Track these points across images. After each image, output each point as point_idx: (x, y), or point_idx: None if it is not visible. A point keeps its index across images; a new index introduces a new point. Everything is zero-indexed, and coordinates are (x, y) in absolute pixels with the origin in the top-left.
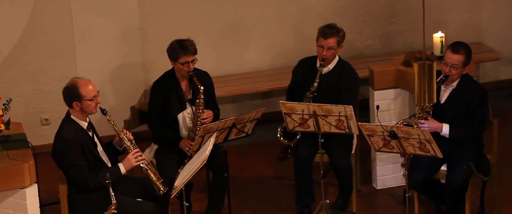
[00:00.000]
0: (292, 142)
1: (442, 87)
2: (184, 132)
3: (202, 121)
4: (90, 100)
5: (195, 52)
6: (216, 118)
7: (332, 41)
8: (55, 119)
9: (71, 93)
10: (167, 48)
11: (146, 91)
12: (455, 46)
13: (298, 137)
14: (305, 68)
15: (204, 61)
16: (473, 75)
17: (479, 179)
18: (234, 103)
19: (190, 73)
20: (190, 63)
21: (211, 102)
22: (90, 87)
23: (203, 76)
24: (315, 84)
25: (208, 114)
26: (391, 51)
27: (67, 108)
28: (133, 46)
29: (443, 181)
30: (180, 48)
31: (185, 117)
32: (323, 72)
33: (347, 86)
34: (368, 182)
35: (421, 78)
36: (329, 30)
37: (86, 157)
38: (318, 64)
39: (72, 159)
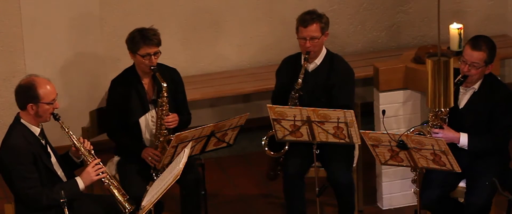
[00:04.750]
0: (279, 154)
1: (461, 90)
2: (148, 138)
3: (167, 124)
4: (48, 104)
5: (158, 43)
6: (186, 123)
7: (314, 29)
8: (0, 125)
9: (27, 94)
10: (126, 38)
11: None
12: (476, 41)
13: (286, 147)
14: (290, 68)
15: (175, 57)
16: (497, 74)
17: (505, 198)
18: (213, 108)
19: (152, 68)
20: (152, 56)
21: (181, 105)
22: (50, 88)
23: (170, 73)
24: (299, 80)
25: (173, 116)
26: (400, 45)
27: (15, 112)
28: (92, 39)
29: (461, 199)
30: (140, 38)
31: (148, 120)
32: (309, 69)
33: (340, 83)
34: (372, 201)
35: (435, 78)
36: (309, 16)
37: (38, 169)
38: (302, 60)
39: (21, 170)
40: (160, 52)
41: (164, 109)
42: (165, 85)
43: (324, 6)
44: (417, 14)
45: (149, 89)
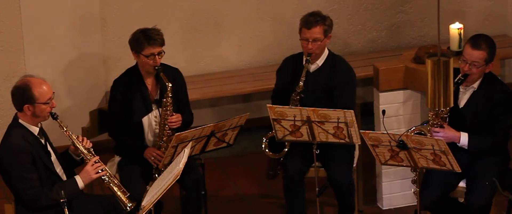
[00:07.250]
0: (279, 155)
1: (461, 89)
2: (150, 139)
3: (170, 124)
4: (44, 103)
5: (162, 43)
6: (188, 123)
7: (317, 31)
8: (0, 125)
9: (23, 95)
10: (129, 38)
11: (108, 93)
12: (476, 40)
13: (285, 150)
14: (291, 68)
15: (175, 57)
16: (497, 74)
17: (505, 198)
18: (213, 108)
19: (157, 68)
20: (156, 56)
21: (183, 105)
22: (45, 88)
23: (173, 73)
24: (301, 83)
25: (176, 117)
26: (400, 45)
27: (13, 112)
28: (92, 39)
29: (461, 200)
30: (144, 38)
31: (151, 120)
32: (311, 70)
33: (341, 85)
34: (372, 201)
35: (435, 78)
36: (312, 18)
37: (37, 169)
38: (304, 61)
39: (21, 170)
40: (164, 52)
41: (168, 109)
42: (170, 85)
43: (324, 6)
44: (417, 14)
45: (152, 89)
